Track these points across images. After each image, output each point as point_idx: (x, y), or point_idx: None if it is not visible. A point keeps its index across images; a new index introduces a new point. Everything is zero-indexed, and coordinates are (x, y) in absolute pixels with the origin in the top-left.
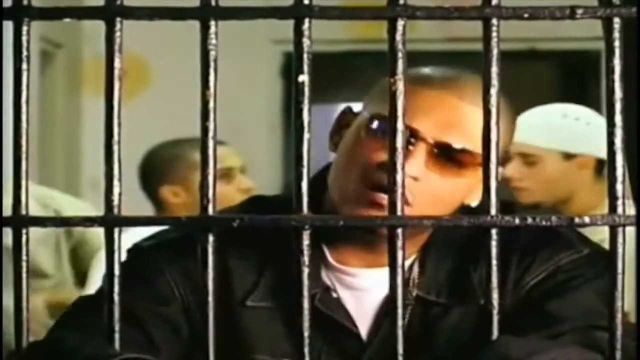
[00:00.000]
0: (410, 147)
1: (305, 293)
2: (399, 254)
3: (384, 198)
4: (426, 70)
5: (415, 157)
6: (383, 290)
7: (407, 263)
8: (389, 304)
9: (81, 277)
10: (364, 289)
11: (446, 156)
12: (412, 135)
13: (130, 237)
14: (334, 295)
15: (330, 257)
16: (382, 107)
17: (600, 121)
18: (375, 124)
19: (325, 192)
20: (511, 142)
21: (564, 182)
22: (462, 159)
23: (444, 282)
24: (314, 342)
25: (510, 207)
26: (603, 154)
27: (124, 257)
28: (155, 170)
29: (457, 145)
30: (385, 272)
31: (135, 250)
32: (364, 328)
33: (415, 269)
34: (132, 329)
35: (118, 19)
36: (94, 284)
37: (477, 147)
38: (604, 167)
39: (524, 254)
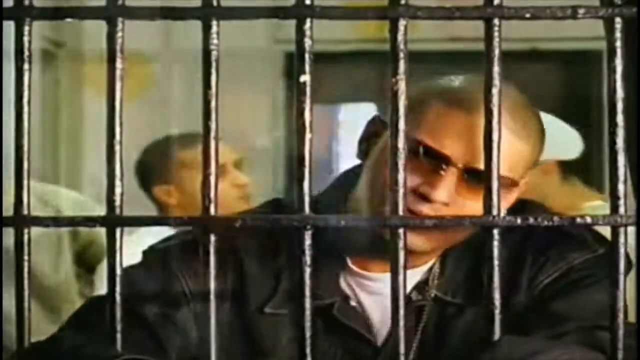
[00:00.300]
0: (442, 172)
1: (307, 293)
2: (401, 254)
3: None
4: (455, 85)
5: (446, 182)
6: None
7: (429, 265)
8: (406, 307)
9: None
10: (386, 294)
11: (477, 180)
12: (443, 161)
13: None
14: (353, 303)
15: (351, 264)
16: (412, 127)
17: (555, 124)
18: (420, 150)
19: (349, 193)
20: (538, 158)
21: (531, 190)
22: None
23: (461, 282)
24: (330, 348)
25: (525, 205)
26: (563, 155)
27: (134, 258)
28: (147, 170)
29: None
30: (408, 275)
31: (150, 252)
32: (385, 333)
33: (436, 269)
34: (141, 331)
35: (120, 18)
36: (100, 288)
37: (509, 169)
38: (567, 168)
39: (539, 253)
